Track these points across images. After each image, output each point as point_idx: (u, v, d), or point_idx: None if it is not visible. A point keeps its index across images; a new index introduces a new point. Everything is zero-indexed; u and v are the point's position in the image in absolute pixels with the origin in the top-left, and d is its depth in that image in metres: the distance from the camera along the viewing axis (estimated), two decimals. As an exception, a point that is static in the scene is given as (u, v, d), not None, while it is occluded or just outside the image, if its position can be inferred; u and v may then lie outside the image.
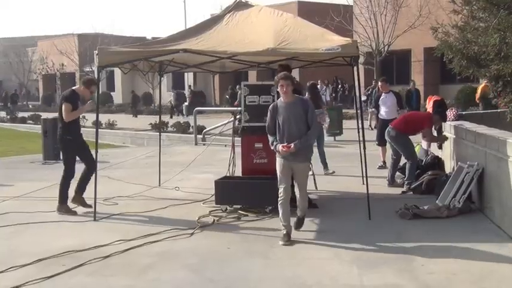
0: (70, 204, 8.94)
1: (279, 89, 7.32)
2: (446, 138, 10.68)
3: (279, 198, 7.25)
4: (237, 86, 36.38)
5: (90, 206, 8.87)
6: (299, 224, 7.58)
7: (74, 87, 9.25)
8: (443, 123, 10.89)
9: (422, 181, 9.97)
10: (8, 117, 38.02)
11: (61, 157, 9.38)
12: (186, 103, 39.67)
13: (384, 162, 12.60)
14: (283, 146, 7.18)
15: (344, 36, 9.12)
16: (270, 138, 7.41)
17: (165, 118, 27.97)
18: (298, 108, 7.29)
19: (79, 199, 9.07)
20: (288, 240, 7.09)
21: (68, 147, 8.94)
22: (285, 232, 7.16)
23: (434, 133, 10.91)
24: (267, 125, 7.44)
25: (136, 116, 36.62)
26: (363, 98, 23.37)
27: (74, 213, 8.87)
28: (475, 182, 8.32)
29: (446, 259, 6.38)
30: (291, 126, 7.24)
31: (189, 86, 42.83)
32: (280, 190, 7.25)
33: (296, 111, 7.27)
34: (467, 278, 5.81)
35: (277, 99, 7.66)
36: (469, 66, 13.08)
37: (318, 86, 25.03)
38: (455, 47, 12.71)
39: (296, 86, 9.19)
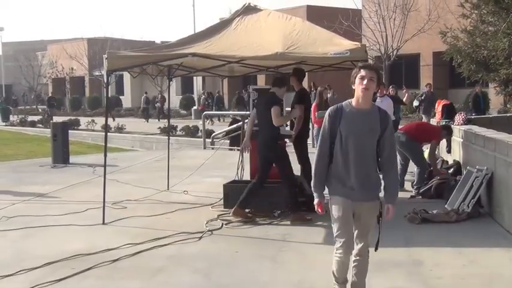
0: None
1: (355, 84, 4.58)
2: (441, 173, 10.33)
3: (335, 254, 4.87)
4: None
5: (250, 219, 8.39)
6: None
7: (271, 91, 8.52)
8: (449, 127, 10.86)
9: (431, 185, 9.94)
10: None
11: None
12: (195, 107, 39.71)
13: None
14: (319, 205, 4.84)
15: (353, 40, 9.13)
16: (317, 175, 4.78)
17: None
18: (375, 122, 4.62)
19: (242, 212, 8.49)
20: None
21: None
22: None
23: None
24: (318, 144, 4.77)
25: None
26: (416, 103, 22.02)
27: (249, 218, 8.40)
28: (484, 186, 8.29)
29: (454, 263, 6.38)
30: (363, 148, 4.61)
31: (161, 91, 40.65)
32: (338, 245, 4.79)
33: (373, 126, 4.61)
34: (475, 282, 5.81)
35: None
36: (478, 71, 13.11)
37: None
38: (464, 51, 12.74)
39: (304, 91, 9.23)
